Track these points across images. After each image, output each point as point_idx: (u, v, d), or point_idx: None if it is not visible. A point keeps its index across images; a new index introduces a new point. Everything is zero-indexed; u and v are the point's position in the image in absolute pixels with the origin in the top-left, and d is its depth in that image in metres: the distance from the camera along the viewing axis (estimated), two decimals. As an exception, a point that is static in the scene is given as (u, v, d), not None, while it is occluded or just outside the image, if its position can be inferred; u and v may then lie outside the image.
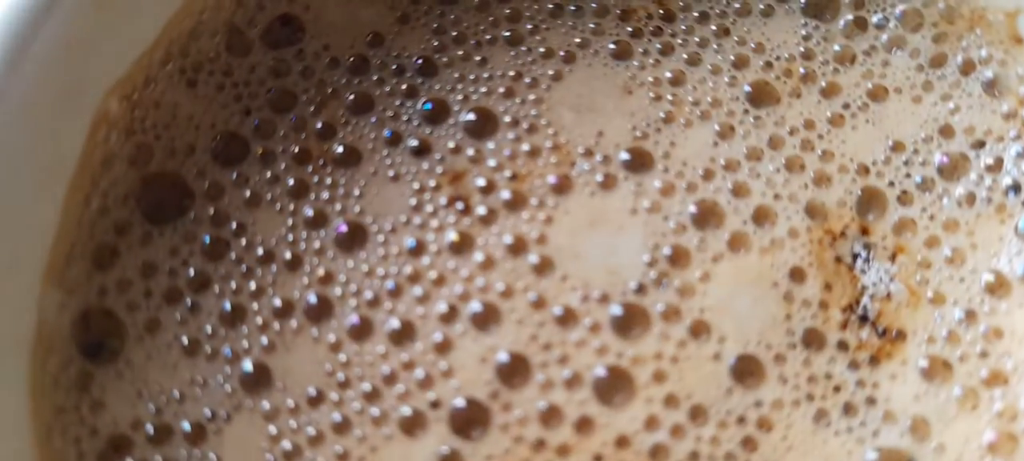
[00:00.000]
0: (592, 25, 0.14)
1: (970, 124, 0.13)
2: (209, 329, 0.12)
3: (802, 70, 0.14)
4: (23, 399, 0.11)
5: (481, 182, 0.13)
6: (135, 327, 0.12)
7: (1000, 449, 0.12)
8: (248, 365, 0.12)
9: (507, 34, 0.14)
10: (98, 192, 0.12)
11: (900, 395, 0.12)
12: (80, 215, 0.12)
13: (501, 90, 0.13)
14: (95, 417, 0.11)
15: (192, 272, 0.12)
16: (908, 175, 0.13)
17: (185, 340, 0.12)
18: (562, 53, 0.14)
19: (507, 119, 0.13)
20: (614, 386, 0.12)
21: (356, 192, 0.13)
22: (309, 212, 0.13)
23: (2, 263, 0.11)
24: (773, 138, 0.13)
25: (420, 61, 0.13)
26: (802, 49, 0.14)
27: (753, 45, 0.14)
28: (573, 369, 0.12)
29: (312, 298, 0.12)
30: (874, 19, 0.14)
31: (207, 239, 0.12)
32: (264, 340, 0.12)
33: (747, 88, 0.13)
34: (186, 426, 0.11)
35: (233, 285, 0.12)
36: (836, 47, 0.14)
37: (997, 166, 0.13)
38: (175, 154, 0.13)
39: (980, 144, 0.13)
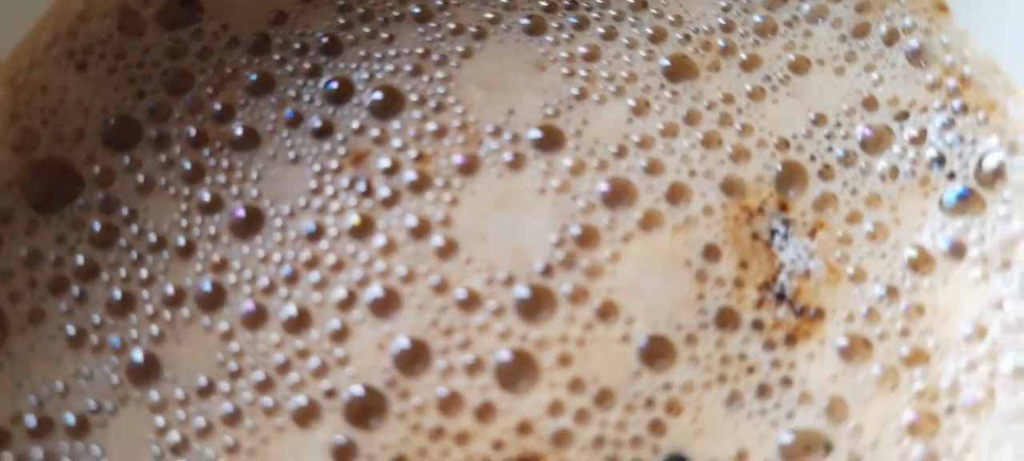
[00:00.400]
0: (504, 0, 0.13)
1: (894, 95, 0.13)
2: (96, 319, 0.12)
3: (721, 43, 0.13)
4: None
5: (385, 163, 0.12)
6: (17, 318, 0.11)
7: (920, 430, 0.11)
8: (137, 355, 0.11)
9: (416, 10, 0.13)
10: None
11: (817, 375, 0.12)
12: (-42, 205, 0.11)
13: (408, 68, 0.13)
14: (-30, 411, 0.11)
15: (80, 260, 0.12)
16: (830, 149, 0.13)
17: (71, 331, 0.11)
18: (473, 29, 0.13)
19: (413, 98, 0.13)
20: (517, 371, 0.11)
21: (254, 175, 0.12)
22: (205, 197, 0.12)
23: None
24: (690, 113, 0.13)
25: (325, 39, 0.13)
26: (722, 21, 0.13)
27: (671, 18, 0.13)
28: (475, 354, 0.12)
29: (205, 286, 0.12)
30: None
31: (97, 226, 0.12)
32: (154, 329, 0.11)
33: (664, 62, 0.13)
34: (69, 419, 0.11)
35: (123, 273, 0.12)
36: (756, 18, 0.13)
37: (921, 138, 0.12)
38: (63, 140, 0.12)
39: (904, 115, 0.13)
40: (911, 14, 0.13)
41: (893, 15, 0.13)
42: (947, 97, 0.12)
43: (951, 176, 0.12)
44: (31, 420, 0.11)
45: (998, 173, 0.12)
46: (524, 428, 0.11)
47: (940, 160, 0.12)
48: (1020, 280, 0.12)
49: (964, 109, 0.12)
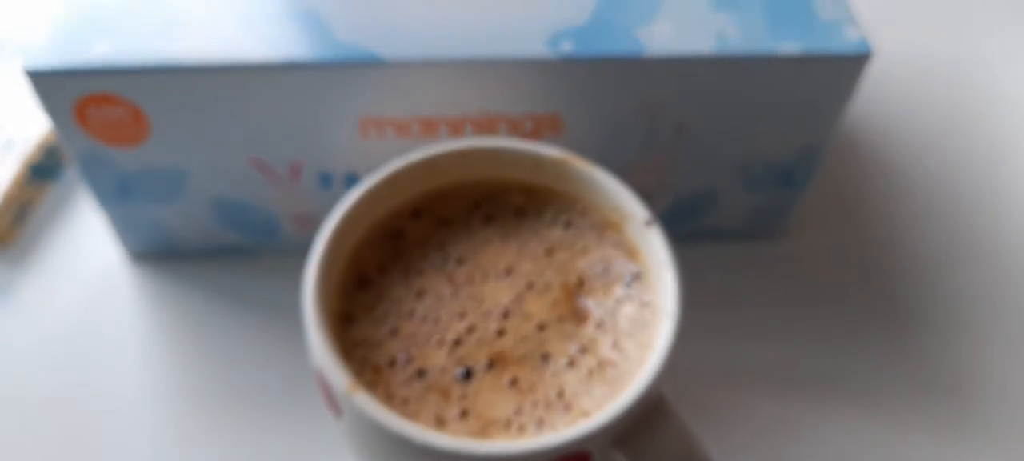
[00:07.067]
0: (489, 217, 0.42)
1: (610, 255, 0.41)
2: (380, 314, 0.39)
3: (556, 249, 0.41)
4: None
5: (458, 279, 0.40)
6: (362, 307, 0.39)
7: (636, 329, 0.38)
8: (388, 330, 0.39)
9: (462, 228, 0.42)
10: (345, 275, 0.39)
11: (587, 334, 0.39)
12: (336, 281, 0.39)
13: (462, 252, 0.41)
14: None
15: (370, 298, 0.39)
16: (592, 271, 0.40)
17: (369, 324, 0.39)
18: (481, 237, 0.41)
19: (468, 262, 0.41)
20: (500, 333, 0.39)
21: (420, 284, 0.40)
22: (402, 290, 0.40)
23: (320, 293, 0.38)
24: (556, 262, 0.41)
25: (440, 247, 0.41)
26: (560, 238, 0.42)
27: (537, 238, 0.42)
28: (485, 327, 0.39)
29: (407, 314, 0.39)
30: (580, 223, 0.42)
31: (370, 291, 0.39)
32: (394, 326, 0.39)
33: (547, 247, 0.41)
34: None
35: (382, 311, 0.39)
36: (570, 237, 0.42)
37: (618, 268, 0.40)
38: (366, 266, 0.40)
39: (611, 262, 0.41)
40: (617, 235, 0.41)
41: (611, 235, 0.41)
42: (624, 255, 0.41)
43: (625, 276, 0.40)
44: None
45: (638, 275, 0.40)
46: (502, 348, 0.38)
47: (616, 270, 0.40)
48: (662, 303, 0.39)
49: (630, 259, 0.40)
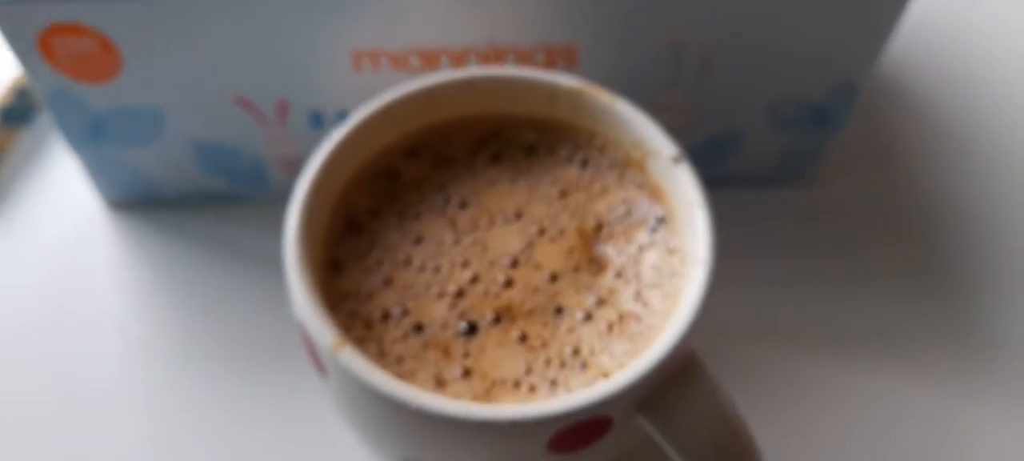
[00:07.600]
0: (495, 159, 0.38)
1: (632, 197, 0.37)
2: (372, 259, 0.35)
3: (576, 188, 0.37)
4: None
5: (462, 225, 0.36)
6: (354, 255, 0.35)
7: (655, 279, 0.34)
8: (382, 277, 0.34)
9: (472, 173, 0.37)
10: (332, 220, 0.35)
11: (605, 283, 0.35)
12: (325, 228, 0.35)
13: (464, 192, 0.37)
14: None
15: (365, 245, 0.35)
16: (611, 215, 0.36)
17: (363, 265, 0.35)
18: (487, 180, 0.37)
19: (471, 201, 0.37)
20: (508, 282, 0.34)
21: (419, 227, 0.36)
22: (400, 234, 0.36)
23: (303, 238, 0.34)
24: (568, 207, 0.37)
25: (440, 188, 0.37)
26: (575, 179, 0.37)
27: (555, 179, 0.37)
28: (493, 277, 0.35)
29: (404, 258, 0.35)
30: (598, 162, 0.37)
31: (364, 240, 0.35)
32: (387, 271, 0.35)
33: (559, 191, 0.37)
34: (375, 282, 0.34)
35: (376, 255, 0.35)
36: (587, 177, 0.37)
37: (640, 208, 0.36)
38: (353, 212, 0.36)
39: (634, 203, 0.36)
40: (637, 174, 0.37)
41: (633, 175, 0.37)
42: (647, 196, 0.36)
43: (649, 220, 0.36)
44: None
45: (664, 219, 0.36)
46: (510, 300, 0.34)
47: (639, 213, 0.36)
48: (691, 249, 0.35)
49: (654, 201, 0.36)
